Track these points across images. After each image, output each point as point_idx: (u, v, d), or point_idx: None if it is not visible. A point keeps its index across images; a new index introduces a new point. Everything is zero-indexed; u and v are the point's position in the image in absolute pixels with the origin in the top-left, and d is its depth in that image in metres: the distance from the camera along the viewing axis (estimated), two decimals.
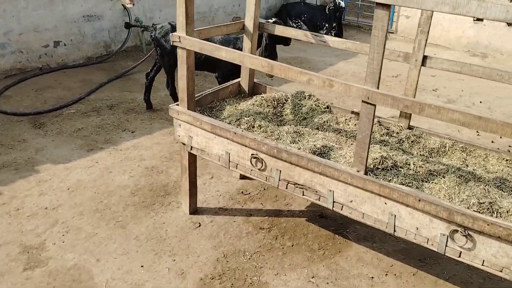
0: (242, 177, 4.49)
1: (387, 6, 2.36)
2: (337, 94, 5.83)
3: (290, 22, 9.80)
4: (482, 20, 8.32)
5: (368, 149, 2.72)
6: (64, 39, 7.00)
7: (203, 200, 4.14)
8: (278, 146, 3.04)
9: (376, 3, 2.38)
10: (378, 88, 2.56)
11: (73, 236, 3.61)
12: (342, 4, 9.26)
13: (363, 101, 2.61)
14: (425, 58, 3.34)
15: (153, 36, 5.44)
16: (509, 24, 8.11)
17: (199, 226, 3.80)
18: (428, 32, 3.25)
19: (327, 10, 9.28)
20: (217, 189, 4.34)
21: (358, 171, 2.79)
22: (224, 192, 4.30)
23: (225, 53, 3.09)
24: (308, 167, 2.95)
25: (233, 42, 5.23)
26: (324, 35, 3.69)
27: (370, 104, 2.59)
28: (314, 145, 3.12)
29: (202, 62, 5.15)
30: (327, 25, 9.37)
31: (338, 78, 7.61)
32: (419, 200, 2.57)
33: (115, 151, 4.90)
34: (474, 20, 8.58)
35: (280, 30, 3.90)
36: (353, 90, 2.61)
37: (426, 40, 3.26)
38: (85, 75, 6.92)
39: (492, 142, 5.52)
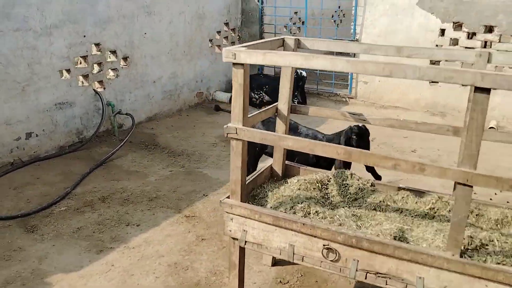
0: (274, 263, 4.24)
1: (487, 90, 2.37)
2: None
3: (252, 94, 9.86)
4: (438, 82, 8.84)
5: (463, 232, 2.65)
6: (36, 129, 6.51)
7: None
8: (357, 234, 2.89)
9: (476, 87, 2.38)
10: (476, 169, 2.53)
11: None
12: (304, 73, 9.54)
13: (459, 183, 2.56)
14: None
15: None
16: (463, 84, 8.66)
17: None
18: None
19: None
20: (253, 281, 4.04)
21: (453, 255, 2.69)
22: (261, 283, 4.01)
23: (292, 142, 2.97)
24: (394, 255, 2.80)
25: (315, 136, 4.96)
26: (362, 113, 3.67)
27: (468, 186, 2.54)
28: (391, 229, 3.00)
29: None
30: None
31: None
32: None
33: (128, 249, 4.47)
34: (430, 83, 9.11)
35: (314, 111, 3.85)
36: (449, 173, 2.56)
37: None
38: (63, 166, 6.42)
39: (490, 199, 5.68)
